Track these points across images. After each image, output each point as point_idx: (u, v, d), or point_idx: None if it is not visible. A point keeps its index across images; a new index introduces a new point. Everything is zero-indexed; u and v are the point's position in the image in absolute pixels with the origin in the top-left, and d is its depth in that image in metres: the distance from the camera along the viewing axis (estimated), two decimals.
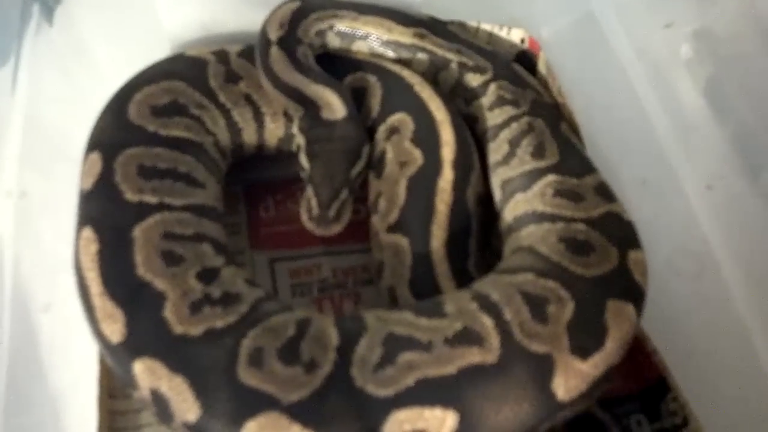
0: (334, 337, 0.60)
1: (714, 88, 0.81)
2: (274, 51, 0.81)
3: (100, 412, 0.70)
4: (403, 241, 0.73)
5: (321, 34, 0.86)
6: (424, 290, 0.70)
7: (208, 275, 0.64)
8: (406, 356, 0.57)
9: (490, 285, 0.64)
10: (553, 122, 0.81)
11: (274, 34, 0.82)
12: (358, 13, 0.87)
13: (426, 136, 0.78)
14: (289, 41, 0.82)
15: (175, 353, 0.58)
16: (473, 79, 0.86)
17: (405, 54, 0.87)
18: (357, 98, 0.82)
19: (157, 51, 0.86)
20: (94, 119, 0.75)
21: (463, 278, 0.71)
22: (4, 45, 0.81)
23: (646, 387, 0.75)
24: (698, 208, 0.77)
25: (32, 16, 0.87)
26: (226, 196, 0.80)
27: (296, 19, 0.84)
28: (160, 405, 0.58)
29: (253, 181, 0.91)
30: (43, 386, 0.69)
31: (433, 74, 0.87)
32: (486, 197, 0.80)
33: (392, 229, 0.75)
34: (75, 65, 0.87)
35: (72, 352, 0.72)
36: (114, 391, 0.73)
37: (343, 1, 0.88)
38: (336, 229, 0.72)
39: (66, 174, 0.74)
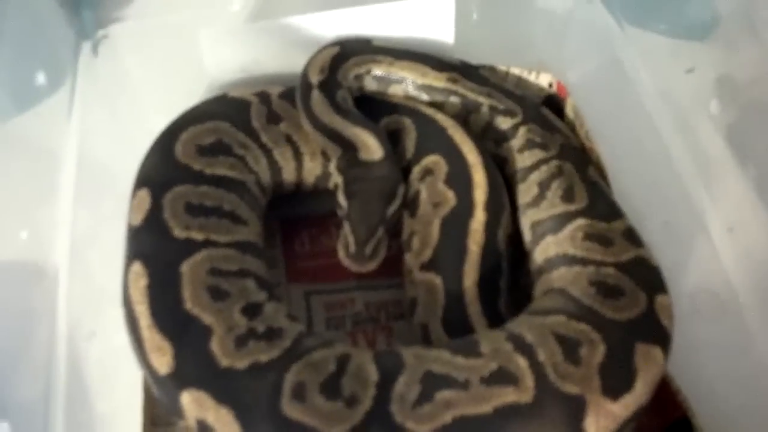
0: (373, 373, 0.61)
1: (736, 134, 0.83)
2: (315, 94, 0.84)
3: None
4: (436, 280, 0.75)
5: (359, 78, 0.89)
6: (457, 327, 0.72)
7: (252, 310, 0.66)
8: (443, 394, 0.59)
9: (524, 326, 0.66)
10: (581, 166, 0.83)
11: (315, 78, 0.85)
12: (394, 58, 0.89)
13: (459, 178, 0.80)
14: (329, 85, 0.85)
15: (222, 385, 0.60)
16: (503, 122, 0.88)
17: (438, 97, 0.90)
18: (392, 140, 0.84)
19: (198, 91, 0.90)
20: (141, 156, 0.78)
21: (493, 317, 0.73)
22: (58, 78, 0.84)
23: (670, 425, 0.75)
24: (720, 251, 0.79)
25: (82, 52, 0.90)
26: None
27: (336, 63, 0.87)
28: None
29: (289, 216, 0.93)
30: (90, 413, 0.71)
31: (465, 117, 0.89)
32: (514, 236, 0.82)
33: (425, 267, 0.77)
34: (120, 103, 0.90)
35: (117, 380, 0.74)
36: (157, 419, 0.75)
37: (380, 46, 0.91)
38: (372, 266, 0.75)
39: (112, 208, 0.76)
